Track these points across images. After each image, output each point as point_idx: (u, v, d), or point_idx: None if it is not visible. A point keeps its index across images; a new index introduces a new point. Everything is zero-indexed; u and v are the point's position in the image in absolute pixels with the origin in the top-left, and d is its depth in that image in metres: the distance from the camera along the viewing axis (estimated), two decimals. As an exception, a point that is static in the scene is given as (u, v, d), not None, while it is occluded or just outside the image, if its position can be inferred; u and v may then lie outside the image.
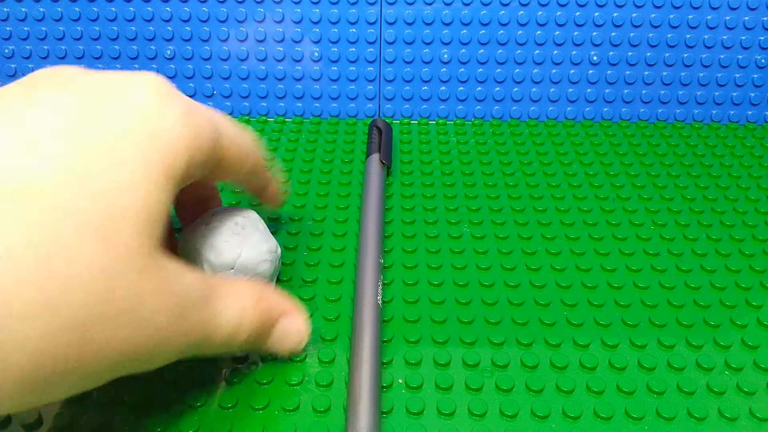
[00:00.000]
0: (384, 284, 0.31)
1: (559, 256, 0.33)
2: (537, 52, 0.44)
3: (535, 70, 0.45)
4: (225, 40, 0.45)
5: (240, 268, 0.26)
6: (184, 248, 0.27)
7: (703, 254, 0.33)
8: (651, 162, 0.41)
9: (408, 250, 0.33)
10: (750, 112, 0.46)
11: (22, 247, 0.13)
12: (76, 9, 0.44)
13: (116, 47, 0.45)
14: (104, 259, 0.14)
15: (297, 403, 0.24)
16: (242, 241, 0.26)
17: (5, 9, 0.44)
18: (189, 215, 0.29)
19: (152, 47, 0.45)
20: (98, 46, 0.45)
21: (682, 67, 0.45)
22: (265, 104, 0.46)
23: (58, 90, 0.17)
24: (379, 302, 0.28)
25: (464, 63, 0.45)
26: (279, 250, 0.28)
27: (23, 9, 0.44)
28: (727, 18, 0.43)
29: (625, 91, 0.45)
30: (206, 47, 0.45)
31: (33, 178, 0.14)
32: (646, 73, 0.45)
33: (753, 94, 0.45)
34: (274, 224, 0.35)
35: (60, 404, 0.24)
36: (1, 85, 0.47)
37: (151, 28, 0.44)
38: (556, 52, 0.44)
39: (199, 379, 0.25)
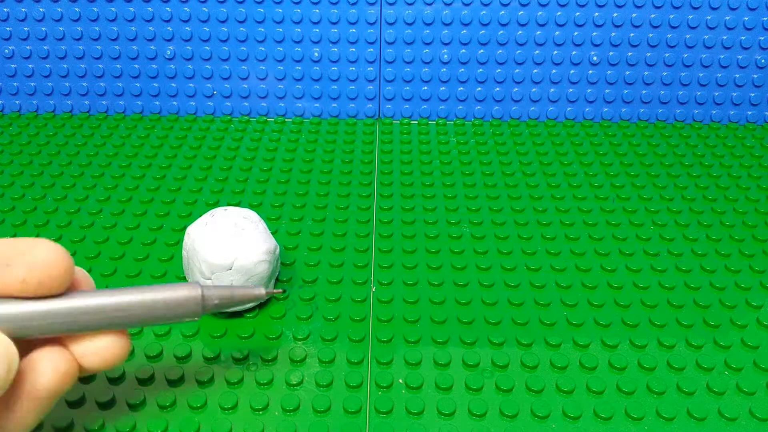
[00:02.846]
0: (384, 284, 0.31)
1: (559, 256, 0.33)
2: (537, 52, 0.44)
3: (535, 71, 0.45)
4: (225, 41, 0.45)
5: (237, 269, 0.26)
6: (186, 248, 0.28)
7: (703, 254, 0.33)
8: (651, 162, 0.41)
9: (408, 250, 0.33)
10: (750, 112, 0.46)
11: None
12: (76, 9, 0.44)
13: (116, 47, 0.45)
14: None
15: (297, 404, 0.24)
16: (240, 242, 0.27)
17: (5, 9, 0.44)
18: None
19: (152, 47, 0.45)
20: (98, 46, 0.45)
21: (682, 67, 0.45)
22: (264, 104, 0.46)
23: None
24: None
25: (464, 63, 0.45)
26: (278, 250, 0.28)
27: (23, 9, 0.44)
28: (727, 18, 0.43)
29: (625, 91, 0.45)
30: (206, 47, 0.45)
31: None
32: (646, 73, 0.45)
33: (753, 94, 0.45)
34: (274, 224, 0.35)
35: (60, 405, 0.24)
36: (1, 85, 0.47)
37: (151, 28, 0.44)
38: (556, 52, 0.44)
39: (199, 380, 0.25)
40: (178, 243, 0.33)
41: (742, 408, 0.25)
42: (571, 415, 0.24)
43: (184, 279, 0.30)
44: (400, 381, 0.26)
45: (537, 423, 0.24)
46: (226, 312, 0.28)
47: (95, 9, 0.44)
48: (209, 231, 0.27)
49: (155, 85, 0.46)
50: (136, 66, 0.45)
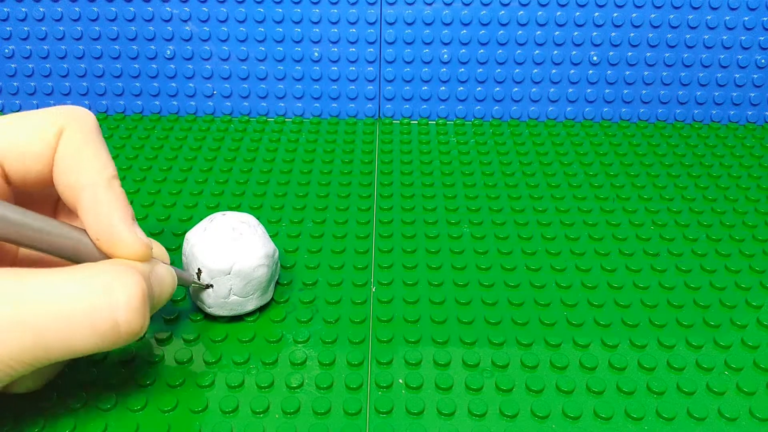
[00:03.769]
0: (384, 284, 0.31)
1: (559, 256, 0.33)
2: (537, 52, 0.44)
3: (535, 70, 0.45)
4: (225, 40, 0.45)
5: (236, 274, 0.26)
6: (185, 253, 0.28)
7: (703, 254, 0.33)
8: (651, 162, 0.41)
9: (408, 250, 0.33)
10: (750, 112, 0.46)
11: None
12: (76, 9, 0.44)
13: (116, 47, 0.45)
14: None
15: (297, 406, 0.24)
16: (239, 247, 0.27)
17: (5, 9, 0.44)
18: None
19: (152, 47, 0.45)
20: (98, 46, 0.45)
21: (682, 67, 0.45)
22: (265, 104, 0.46)
23: None
24: None
25: (464, 63, 0.45)
26: (277, 254, 0.28)
27: (23, 9, 0.44)
28: (727, 18, 0.43)
29: (625, 91, 0.45)
30: (206, 47, 0.45)
31: None
32: (646, 73, 0.45)
33: (753, 94, 0.45)
34: (274, 226, 0.35)
35: (62, 409, 0.24)
36: (2, 85, 0.47)
37: (151, 28, 0.44)
38: (556, 52, 0.44)
39: (200, 384, 0.25)
40: (179, 248, 0.33)
41: (742, 408, 0.25)
42: (571, 415, 0.24)
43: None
44: (400, 381, 0.26)
45: (537, 423, 0.24)
46: (226, 316, 0.28)
47: (95, 9, 0.44)
48: (208, 236, 0.27)
49: (155, 84, 0.46)
50: (136, 66, 0.45)
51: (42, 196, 0.25)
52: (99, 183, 0.22)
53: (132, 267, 0.21)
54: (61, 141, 0.23)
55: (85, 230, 0.22)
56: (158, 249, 0.25)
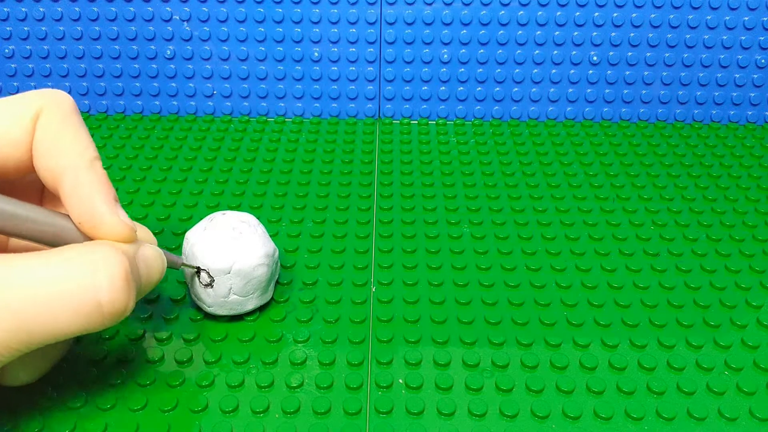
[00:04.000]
0: (384, 284, 0.31)
1: (559, 256, 0.33)
2: (537, 52, 0.44)
3: (535, 70, 0.45)
4: (225, 40, 0.45)
5: (236, 273, 0.26)
6: (185, 252, 0.28)
7: (703, 254, 0.33)
8: (651, 162, 0.41)
9: (408, 250, 0.33)
10: (750, 112, 0.46)
11: None
12: (76, 9, 0.44)
13: (116, 47, 0.45)
14: None
15: (297, 406, 0.24)
16: (239, 246, 0.27)
17: (5, 9, 0.44)
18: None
19: (152, 47, 0.45)
20: (98, 46, 0.45)
21: (682, 67, 0.45)
22: (265, 104, 0.46)
23: None
24: None
25: (464, 63, 0.45)
26: (277, 253, 0.28)
27: (23, 9, 0.44)
28: (727, 18, 0.43)
29: (625, 91, 0.45)
30: (206, 47, 0.45)
31: None
32: (646, 73, 0.45)
33: (753, 94, 0.45)
34: (275, 226, 0.35)
35: (65, 409, 0.24)
36: (2, 85, 0.47)
37: (151, 28, 0.44)
38: (556, 52, 0.44)
39: (200, 383, 0.25)
40: (179, 247, 0.33)
41: (742, 408, 0.25)
42: (571, 415, 0.24)
43: (183, 283, 0.30)
44: (400, 381, 0.26)
45: (537, 423, 0.24)
46: (226, 316, 0.28)
47: (95, 9, 0.44)
48: (208, 235, 0.27)
49: (155, 84, 0.46)
50: (136, 66, 0.45)
51: (27, 184, 0.25)
52: (80, 165, 0.22)
53: (115, 247, 0.21)
54: (39, 125, 0.22)
55: (68, 215, 0.22)
56: (143, 232, 0.25)
